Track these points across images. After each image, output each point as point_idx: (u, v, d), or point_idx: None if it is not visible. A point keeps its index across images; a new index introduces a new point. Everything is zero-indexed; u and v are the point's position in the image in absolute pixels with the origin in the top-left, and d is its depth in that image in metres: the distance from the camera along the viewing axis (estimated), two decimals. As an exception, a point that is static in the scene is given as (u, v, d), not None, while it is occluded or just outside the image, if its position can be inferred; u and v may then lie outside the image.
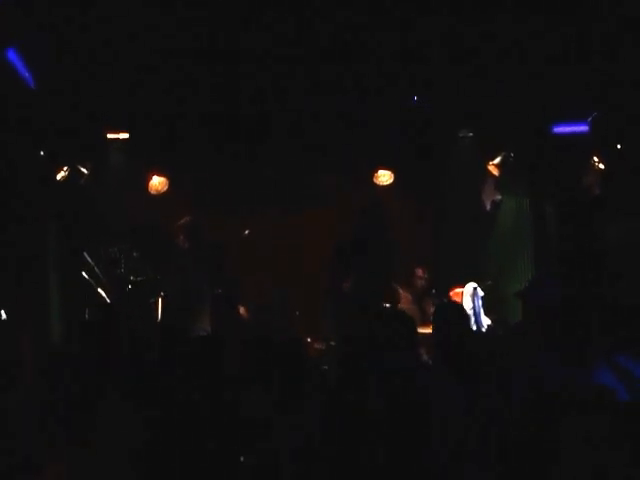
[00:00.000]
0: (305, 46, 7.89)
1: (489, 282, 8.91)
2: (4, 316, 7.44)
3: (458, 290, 8.77)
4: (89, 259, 8.46)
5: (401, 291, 8.78)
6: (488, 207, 9.79)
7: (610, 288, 8.41)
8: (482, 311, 8.65)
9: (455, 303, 7.96)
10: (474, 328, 8.50)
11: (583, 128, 9.00)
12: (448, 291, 8.89)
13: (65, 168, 8.78)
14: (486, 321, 8.69)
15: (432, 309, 8.38)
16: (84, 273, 8.38)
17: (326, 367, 7.25)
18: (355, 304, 7.74)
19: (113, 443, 3.48)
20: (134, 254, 8.81)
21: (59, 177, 8.75)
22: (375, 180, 9.76)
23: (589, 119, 8.93)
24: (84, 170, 8.93)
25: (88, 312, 7.94)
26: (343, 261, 7.98)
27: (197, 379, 3.91)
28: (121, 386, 3.76)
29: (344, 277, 8.06)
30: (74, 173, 8.86)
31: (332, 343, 7.87)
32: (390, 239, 8.11)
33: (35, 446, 3.67)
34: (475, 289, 8.62)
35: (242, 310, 8.49)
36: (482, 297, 8.66)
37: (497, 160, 9.34)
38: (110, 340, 4.11)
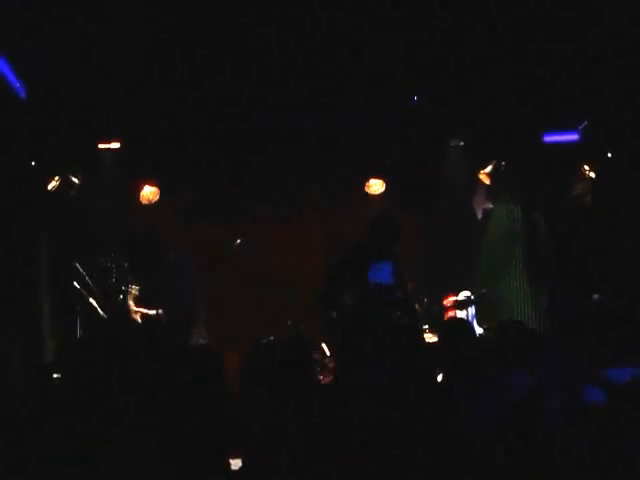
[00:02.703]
0: (297, 58, 7.92)
1: (483, 291, 8.93)
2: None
3: (452, 299, 8.79)
4: (80, 269, 8.41)
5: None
6: (479, 216, 9.82)
7: (601, 295, 8.45)
8: (475, 320, 8.67)
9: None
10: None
11: (574, 137, 9.05)
12: (442, 300, 8.90)
13: (56, 178, 8.75)
14: (478, 330, 8.71)
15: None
16: (75, 283, 8.33)
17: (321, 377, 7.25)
18: (358, 317, 7.70)
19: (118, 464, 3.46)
20: (125, 264, 8.77)
21: (50, 187, 8.72)
22: (366, 189, 9.75)
23: (580, 128, 8.98)
24: (75, 180, 8.90)
25: (83, 327, 7.93)
26: (347, 272, 7.92)
27: (198, 391, 3.90)
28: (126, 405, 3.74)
29: (346, 289, 7.99)
30: (65, 183, 8.83)
31: (328, 354, 7.87)
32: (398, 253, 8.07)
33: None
34: (468, 297, 8.64)
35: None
36: (475, 306, 8.68)
37: (488, 169, 9.37)
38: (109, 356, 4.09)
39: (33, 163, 8.58)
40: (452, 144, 9.71)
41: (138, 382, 4.11)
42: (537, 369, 4.39)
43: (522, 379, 4.20)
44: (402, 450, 3.65)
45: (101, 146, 9.08)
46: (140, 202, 9.30)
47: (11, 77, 7.58)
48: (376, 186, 9.75)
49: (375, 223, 7.86)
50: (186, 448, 3.63)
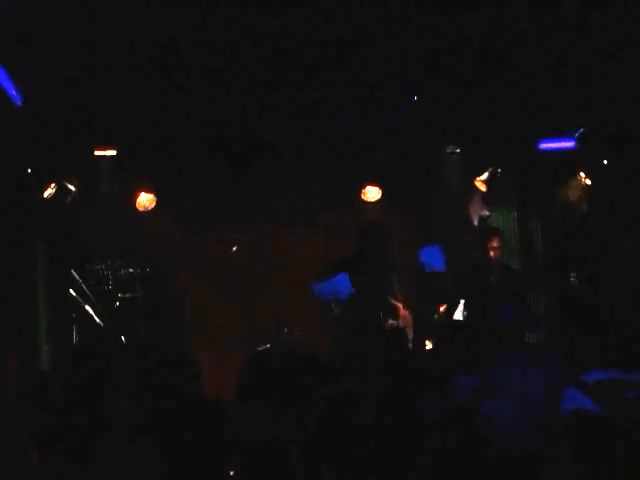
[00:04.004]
0: (292, 63, 7.93)
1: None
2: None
3: (449, 305, 8.77)
4: (76, 276, 8.41)
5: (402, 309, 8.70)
6: (476, 222, 9.81)
7: (596, 302, 8.46)
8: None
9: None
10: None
11: (570, 144, 9.06)
12: (438, 307, 8.88)
13: (52, 185, 8.74)
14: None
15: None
16: (71, 290, 8.32)
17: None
18: (351, 321, 7.70)
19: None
20: (122, 271, 8.78)
21: (46, 194, 8.71)
22: (362, 196, 9.75)
23: (576, 135, 8.99)
24: (71, 187, 8.89)
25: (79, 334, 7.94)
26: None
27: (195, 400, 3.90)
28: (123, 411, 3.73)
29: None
30: (61, 190, 8.82)
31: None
32: (390, 258, 8.06)
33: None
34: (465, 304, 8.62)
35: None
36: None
37: (484, 176, 9.37)
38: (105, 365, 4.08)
39: (29, 170, 8.57)
40: (448, 150, 9.72)
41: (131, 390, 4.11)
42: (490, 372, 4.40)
43: (467, 380, 4.19)
44: (403, 456, 3.64)
45: (97, 153, 9.06)
46: (136, 209, 9.30)
47: (7, 84, 7.57)
48: (372, 193, 9.75)
49: (366, 233, 7.89)
50: (181, 460, 3.62)
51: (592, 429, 3.47)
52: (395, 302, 8.37)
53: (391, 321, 8.20)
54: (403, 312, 8.49)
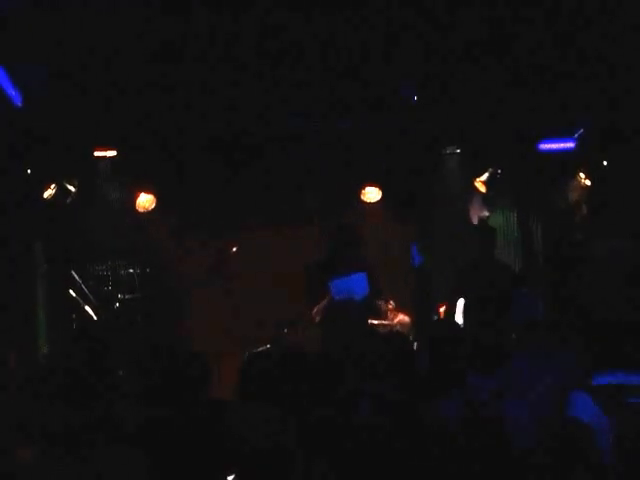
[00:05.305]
0: (291, 63, 7.93)
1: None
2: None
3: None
4: (76, 277, 8.42)
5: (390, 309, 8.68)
6: (475, 223, 9.81)
7: (594, 305, 8.44)
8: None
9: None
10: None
11: (570, 145, 9.07)
12: (438, 307, 8.89)
13: (52, 186, 8.75)
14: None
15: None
16: (71, 291, 8.33)
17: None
18: (338, 322, 7.69)
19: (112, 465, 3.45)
20: (122, 272, 8.80)
21: (46, 195, 8.72)
22: (362, 197, 9.75)
23: (576, 136, 9.00)
24: (71, 188, 8.89)
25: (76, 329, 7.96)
26: (315, 283, 7.89)
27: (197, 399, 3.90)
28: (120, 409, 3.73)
29: (315, 302, 7.93)
30: (61, 191, 8.83)
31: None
32: (364, 257, 8.04)
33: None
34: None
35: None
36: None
37: (484, 177, 9.38)
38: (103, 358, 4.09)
39: (29, 171, 8.58)
40: (448, 151, 9.73)
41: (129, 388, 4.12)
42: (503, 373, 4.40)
43: (483, 382, 4.19)
44: (402, 460, 3.64)
45: (97, 154, 9.08)
46: (136, 210, 9.31)
47: (7, 85, 7.57)
48: (372, 194, 9.75)
49: (333, 235, 7.88)
50: (178, 463, 3.61)
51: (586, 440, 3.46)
52: (379, 303, 8.35)
53: (376, 322, 8.19)
54: (401, 318, 8.50)
